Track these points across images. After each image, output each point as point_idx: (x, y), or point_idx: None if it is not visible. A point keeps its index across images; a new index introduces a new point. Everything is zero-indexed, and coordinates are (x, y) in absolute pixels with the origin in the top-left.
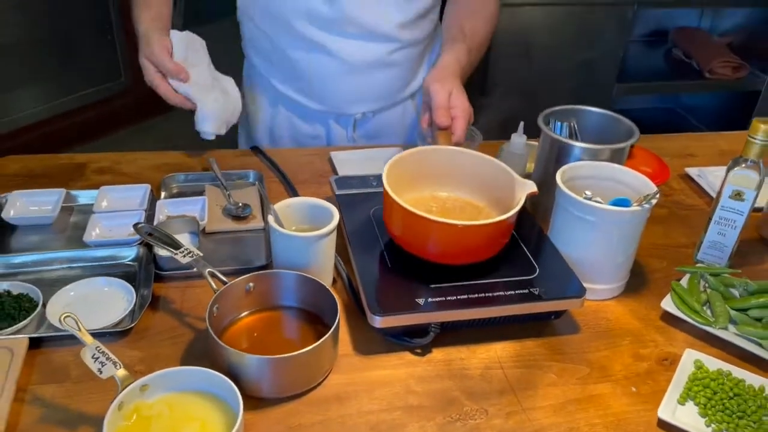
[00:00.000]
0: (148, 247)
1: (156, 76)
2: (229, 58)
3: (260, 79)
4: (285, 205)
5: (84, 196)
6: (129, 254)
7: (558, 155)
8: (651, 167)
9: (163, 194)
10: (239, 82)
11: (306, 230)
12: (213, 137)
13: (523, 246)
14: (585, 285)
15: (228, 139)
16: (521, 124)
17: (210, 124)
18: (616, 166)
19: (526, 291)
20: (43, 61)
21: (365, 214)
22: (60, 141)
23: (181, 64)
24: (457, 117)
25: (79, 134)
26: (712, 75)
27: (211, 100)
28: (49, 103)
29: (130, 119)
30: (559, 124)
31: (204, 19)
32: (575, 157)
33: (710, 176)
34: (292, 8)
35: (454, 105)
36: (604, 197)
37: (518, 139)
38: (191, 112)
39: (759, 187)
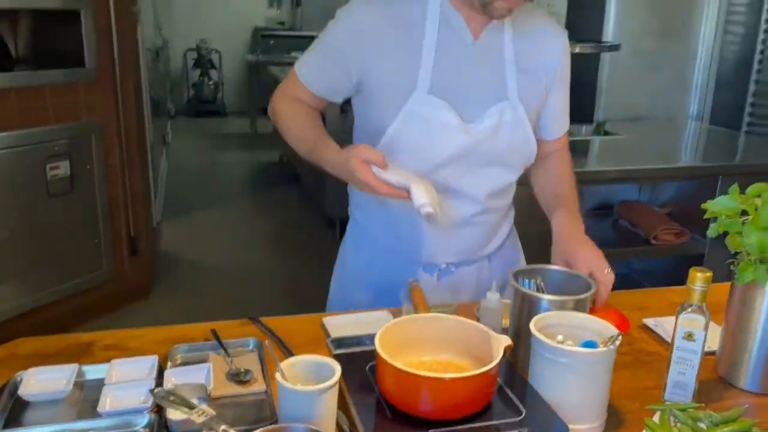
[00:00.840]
0: (159, 413)
1: (369, 174)
2: None
3: (360, 231)
4: (290, 364)
5: (94, 371)
6: (141, 421)
7: (529, 308)
8: (613, 321)
9: (169, 364)
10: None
11: (311, 385)
12: (434, 212)
13: (508, 392)
14: (568, 425)
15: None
16: (494, 282)
17: (427, 200)
18: (582, 314)
19: None
20: (28, 257)
21: (362, 369)
22: (47, 330)
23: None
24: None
25: (63, 324)
26: (657, 241)
27: (416, 180)
28: (32, 295)
29: (113, 307)
30: (526, 281)
31: None
32: (544, 308)
33: (666, 325)
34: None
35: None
36: (574, 342)
37: (493, 296)
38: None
39: (706, 327)
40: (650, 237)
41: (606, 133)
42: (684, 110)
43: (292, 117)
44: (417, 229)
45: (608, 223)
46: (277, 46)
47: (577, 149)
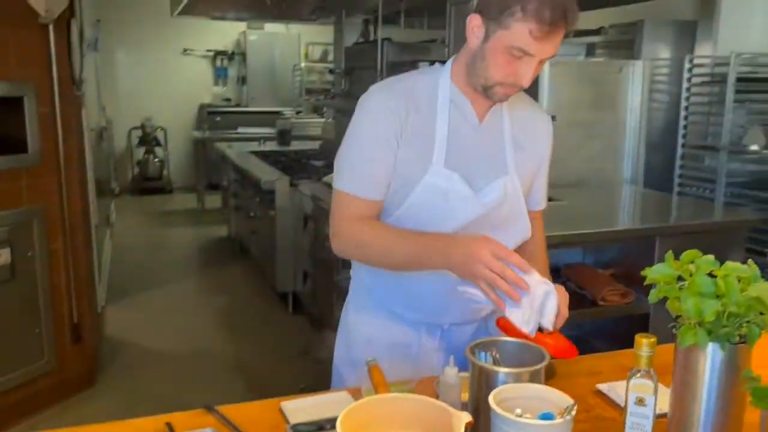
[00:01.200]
0: None
1: (496, 266)
2: None
3: (366, 294)
4: None
5: None
6: None
7: (487, 381)
8: (561, 345)
9: None
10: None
11: None
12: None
13: None
14: None
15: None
16: (451, 357)
17: (526, 323)
18: (539, 386)
19: None
20: None
21: None
22: None
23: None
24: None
25: (3, 420)
26: (604, 303)
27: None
28: None
29: (57, 398)
30: (483, 354)
31: None
32: (501, 381)
33: (618, 389)
34: None
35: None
36: (532, 414)
37: (451, 371)
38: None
39: (655, 392)
40: (597, 299)
41: (549, 200)
42: (619, 175)
43: (371, 234)
44: (428, 295)
45: None
46: (223, 123)
47: None
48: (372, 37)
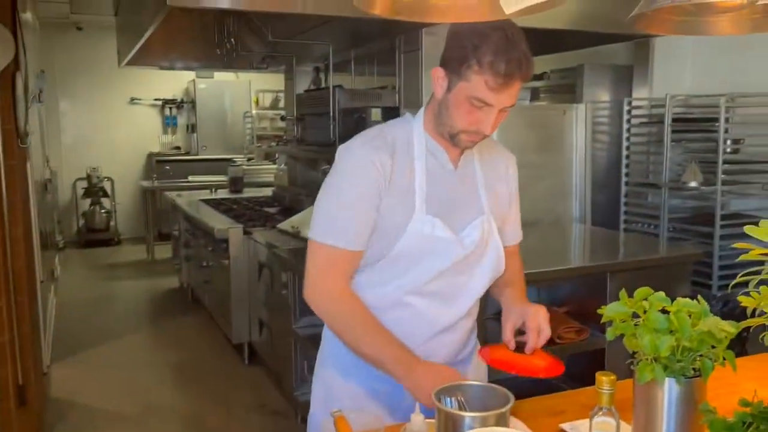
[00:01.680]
0: None
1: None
2: None
3: (342, 345)
4: None
5: None
6: None
7: (453, 426)
8: (548, 362)
9: None
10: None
11: None
12: None
13: None
14: None
15: None
16: (417, 404)
17: None
18: (505, 429)
19: None
20: None
21: None
22: None
23: None
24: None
25: None
26: (560, 341)
27: None
28: None
29: None
30: (448, 399)
31: None
32: (468, 425)
33: (581, 428)
34: (406, 286)
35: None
36: None
37: (417, 417)
38: None
39: (617, 429)
40: (554, 337)
41: None
42: (568, 214)
43: (359, 318)
44: (406, 338)
45: None
46: (173, 171)
47: None
48: (323, 84)
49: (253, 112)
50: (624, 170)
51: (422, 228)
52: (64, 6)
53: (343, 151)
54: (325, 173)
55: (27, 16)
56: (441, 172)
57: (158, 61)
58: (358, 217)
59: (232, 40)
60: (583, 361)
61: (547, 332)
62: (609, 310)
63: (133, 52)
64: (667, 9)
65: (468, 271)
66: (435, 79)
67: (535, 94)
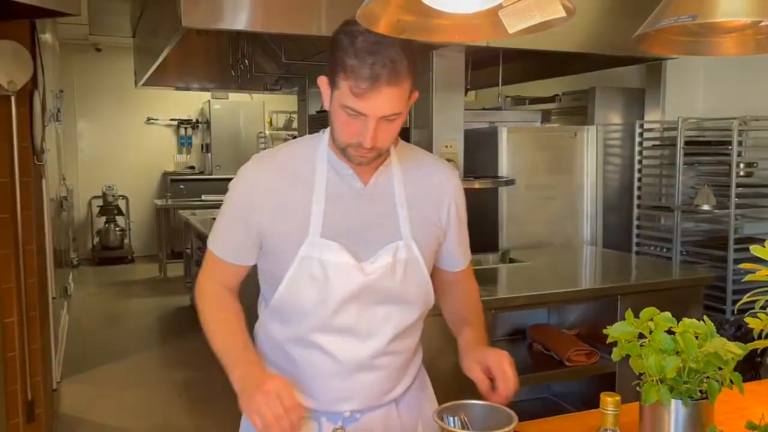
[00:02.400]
0: None
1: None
2: None
3: (266, 364)
4: None
5: None
6: None
7: None
8: None
9: None
10: None
11: None
12: None
13: None
14: None
15: None
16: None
17: None
18: None
19: None
20: None
21: None
22: None
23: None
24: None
25: None
26: (570, 363)
27: None
28: None
29: None
30: (451, 418)
31: None
32: None
33: None
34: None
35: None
36: None
37: None
38: None
39: None
40: (563, 359)
41: (511, 261)
42: (579, 236)
43: (209, 314)
44: (317, 378)
45: (523, 348)
46: (187, 190)
47: (486, 277)
48: None
49: (267, 132)
50: (636, 193)
51: (314, 253)
52: (84, 27)
53: (241, 167)
54: None
55: (47, 36)
56: (346, 192)
57: (174, 81)
58: (240, 233)
59: (246, 61)
60: (593, 385)
61: (514, 380)
62: (614, 330)
63: (150, 72)
64: (671, 29)
65: (385, 304)
66: (322, 90)
67: (546, 116)
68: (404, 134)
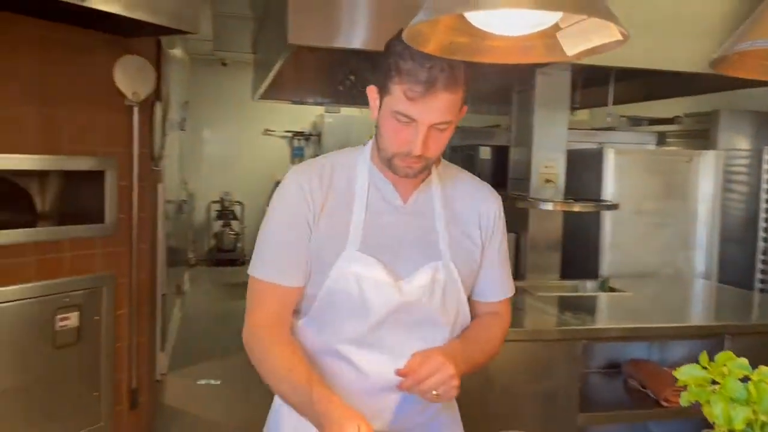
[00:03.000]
0: None
1: None
2: None
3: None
4: None
5: None
6: None
7: None
8: None
9: None
10: None
11: None
12: None
13: None
14: None
15: None
16: None
17: None
18: None
19: None
20: (27, 409)
21: None
22: None
23: None
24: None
25: None
26: (668, 404)
27: None
28: None
29: None
30: None
31: None
32: None
33: None
34: (342, 334)
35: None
36: None
37: None
38: None
39: None
40: (660, 398)
41: (611, 290)
42: (690, 268)
43: (284, 361)
44: (345, 393)
45: (618, 383)
46: None
47: (583, 306)
48: None
49: None
50: (762, 224)
51: (351, 267)
52: (210, 43)
53: (281, 181)
54: None
55: (176, 51)
56: (386, 208)
57: (289, 96)
58: (291, 248)
59: (351, 77)
60: (690, 428)
61: (420, 377)
62: (683, 373)
63: (264, 87)
64: (750, 53)
65: (420, 324)
66: (370, 100)
67: (662, 139)
68: (503, 153)
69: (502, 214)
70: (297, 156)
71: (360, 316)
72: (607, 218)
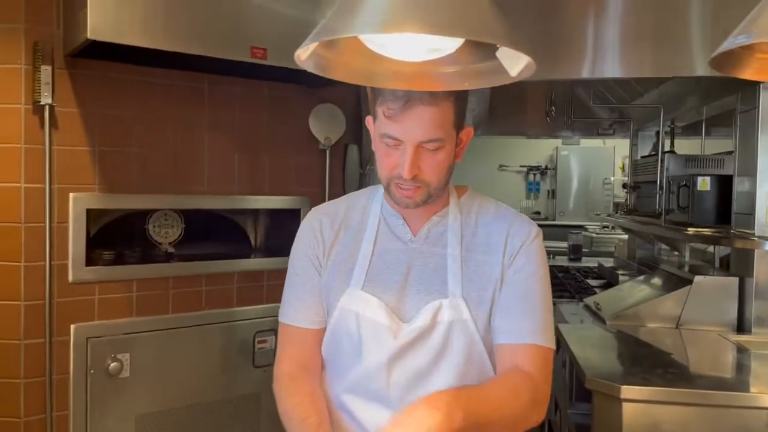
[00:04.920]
0: None
1: None
2: None
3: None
4: None
5: None
6: None
7: None
8: None
9: None
10: None
11: None
12: None
13: None
14: None
15: None
16: None
17: None
18: None
19: None
20: (220, 423)
21: None
22: None
23: None
24: None
25: None
26: None
27: None
28: None
29: None
30: None
31: None
32: None
33: None
34: (344, 382)
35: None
36: None
37: None
38: None
39: None
40: None
41: None
42: None
43: (300, 411)
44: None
45: None
46: None
47: None
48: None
49: (611, 178)
50: None
51: (352, 306)
52: None
53: None
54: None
55: None
56: (395, 245)
57: (524, 131)
58: (298, 288)
59: (553, 108)
60: None
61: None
62: None
63: (477, 120)
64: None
65: (423, 372)
66: (369, 130)
67: None
68: (727, 184)
69: (536, 245)
70: (532, 190)
71: (357, 361)
72: None
